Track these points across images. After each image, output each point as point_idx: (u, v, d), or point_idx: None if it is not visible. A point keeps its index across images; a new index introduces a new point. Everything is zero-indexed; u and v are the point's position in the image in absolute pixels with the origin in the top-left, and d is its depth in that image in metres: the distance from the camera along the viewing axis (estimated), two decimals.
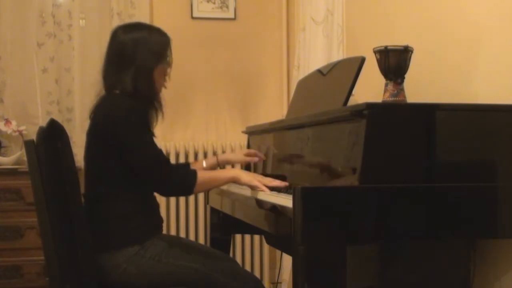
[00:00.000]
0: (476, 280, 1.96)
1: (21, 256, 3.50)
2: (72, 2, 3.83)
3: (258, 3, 4.11)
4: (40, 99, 3.78)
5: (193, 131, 4.02)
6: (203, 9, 4.03)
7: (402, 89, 2.03)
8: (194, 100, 4.03)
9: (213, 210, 2.85)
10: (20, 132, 3.67)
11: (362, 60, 2.07)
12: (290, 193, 1.64)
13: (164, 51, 2.21)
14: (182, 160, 3.84)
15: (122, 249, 2.07)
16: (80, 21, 3.86)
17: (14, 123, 3.69)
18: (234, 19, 4.07)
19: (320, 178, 1.93)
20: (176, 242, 2.23)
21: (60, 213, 1.98)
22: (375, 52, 2.05)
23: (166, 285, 2.10)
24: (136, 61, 2.15)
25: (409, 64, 2.03)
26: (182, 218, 3.86)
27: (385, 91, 2.04)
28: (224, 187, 2.42)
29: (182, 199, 3.86)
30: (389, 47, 2.01)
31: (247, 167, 2.81)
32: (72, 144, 2.07)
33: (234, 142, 3.92)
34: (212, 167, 2.50)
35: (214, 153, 3.89)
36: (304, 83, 2.65)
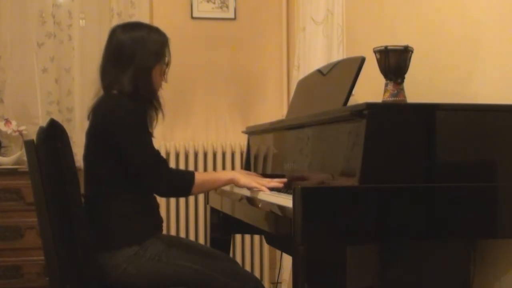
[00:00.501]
0: (476, 280, 1.96)
1: (21, 256, 3.50)
2: (72, 2, 3.83)
3: (258, 3, 4.11)
4: (40, 99, 3.78)
5: (193, 131, 4.02)
6: (203, 9, 4.03)
7: (402, 89, 2.03)
8: (194, 100, 4.03)
9: (213, 210, 2.85)
10: (20, 132, 3.67)
11: (362, 60, 2.07)
12: (290, 193, 1.64)
13: (163, 51, 2.21)
14: (182, 160, 3.84)
15: (122, 249, 2.07)
16: (80, 21, 3.86)
17: (14, 123, 3.69)
18: (234, 19, 4.07)
19: (320, 178, 1.93)
20: (176, 242, 2.23)
21: (60, 213, 1.98)
22: (375, 52, 2.05)
23: (166, 285, 2.10)
24: (135, 61, 2.15)
25: (409, 64, 2.03)
26: (182, 218, 3.86)
27: (385, 91, 2.04)
28: (225, 187, 2.42)
29: (182, 199, 3.86)
30: (389, 47, 2.01)
31: (247, 167, 2.81)
32: (72, 144, 2.07)
33: (234, 142, 3.92)
34: None
35: (214, 154, 3.89)
36: (304, 83, 2.65)
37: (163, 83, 2.27)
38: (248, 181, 2.14)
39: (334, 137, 1.88)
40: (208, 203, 2.90)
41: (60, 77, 3.83)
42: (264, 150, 2.59)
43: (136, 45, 2.16)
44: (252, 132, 2.82)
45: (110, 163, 2.11)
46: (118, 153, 2.09)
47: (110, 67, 2.19)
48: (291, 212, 1.56)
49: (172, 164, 3.75)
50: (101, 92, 2.21)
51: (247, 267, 3.89)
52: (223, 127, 4.06)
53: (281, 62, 4.11)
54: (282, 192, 1.99)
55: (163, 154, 3.52)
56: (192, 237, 3.83)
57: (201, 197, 3.83)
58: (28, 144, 2.10)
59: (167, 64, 2.24)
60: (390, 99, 2.01)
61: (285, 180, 2.12)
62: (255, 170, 2.66)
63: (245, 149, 3.01)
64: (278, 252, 3.70)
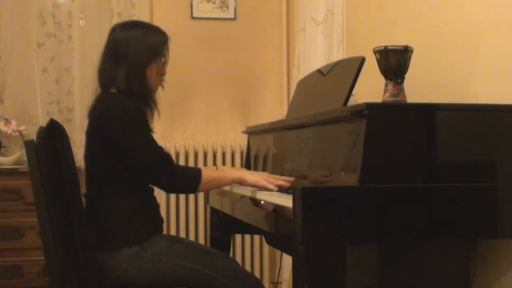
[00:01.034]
0: (476, 280, 1.96)
1: (21, 256, 3.50)
2: (72, 2, 3.83)
3: (258, 3, 4.11)
4: (40, 99, 3.78)
5: (193, 131, 4.02)
6: (203, 9, 4.03)
7: (402, 89, 2.03)
8: (194, 100, 4.03)
9: (213, 210, 2.85)
10: (20, 132, 3.67)
11: (362, 60, 2.07)
12: (290, 193, 1.64)
13: (159, 50, 2.21)
14: (182, 160, 3.84)
15: (122, 249, 2.07)
16: (80, 21, 3.86)
17: (14, 123, 3.69)
18: (234, 19, 4.07)
19: (320, 178, 1.93)
20: (176, 242, 2.23)
21: (60, 213, 1.98)
22: (375, 52, 2.05)
23: (166, 285, 2.10)
24: (129, 59, 2.16)
25: (409, 64, 2.03)
26: (182, 218, 3.86)
27: (385, 91, 2.04)
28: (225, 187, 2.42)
29: (182, 199, 3.86)
30: (389, 47, 2.01)
31: (246, 167, 2.81)
32: (72, 144, 2.07)
33: (234, 142, 3.92)
34: None
35: (214, 154, 3.90)
36: (304, 83, 2.65)
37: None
38: (256, 179, 2.12)
39: (334, 137, 1.88)
40: (208, 203, 2.90)
41: (60, 77, 3.83)
42: (264, 150, 2.59)
43: (130, 43, 2.17)
44: (252, 132, 2.82)
45: (110, 162, 2.12)
46: (117, 152, 2.09)
47: (106, 65, 2.20)
48: (291, 212, 1.56)
49: None
50: (99, 90, 2.22)
51: (247, 267, 3.89)
52: (223, 127, 4.06)
53: (281, 62, 4.11)
54: (283, 191, 1.99)
55: None
56: (192, 237, 3.83)
57: (201, 197, 3.83)
58: (28, 144, 2.10)
59: (164, 63, 2.24)
60: (390, 99, 2.01)
61: (292, 179, 2.10)
62: (255, 170, 2.66)
63: (245, 149, 3.01)
64: (278, 252, 3.70)
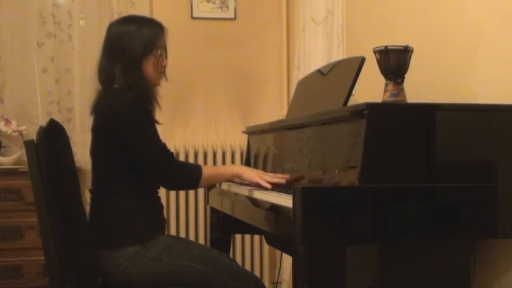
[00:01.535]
0: (476, 280, 1.96)
1: (21, 256, 3.50)
2: (72, 2, 3.84)
3: (258, 3, 4.11)
4: (40, 99, 3.78)
5: (193, 131, 4.02)
6: (203, 9, 4.03)
7: (402, 89, 2.02)
8: (194, 100, 4.03)
9: (213, 210, 2.85)
10: (20, 132, 3.67)
11: (362, 60, 2.07)
12: (290, 193, 1.64)
13: (153, 42, 2.20)
14: (182, 160, 3.84)
15: (123, 248, 2.07)
16: (80, 21, 3.86)
17: (14, 123, 3.69)
18: (234, 19, 4.07)
19: (320, 178, 1.93)
20: (177, 242, 2.23)
21: (60, 213, 1.98)
22: (375, 52, 2.05)
23: (167, 284, 2.10)
24: (123, 54, 2.16)
25: (409, 64, 2.03)
26: (182, 218, 3.86)
27: (385, 91, 2.04)
28: (225, 187, 2.42)
29: (182, 199, 3.86)
30: (389, 47, 2.01)
31: (247, 165, 2.80)
32: (72, 144, 2.07)
33: (234, 142, 3.92)
34: None
35: (214, 154, 3.90)
36: (304, 83, 2.65)
37: (164, 80, 2.27)
38: (253, 175, 2.18)
39: (334, 137, 1.88)
40: (208, 203, 2.90)
41: (60, 77, 3.83)
42: (264, 150, 2.59)
43: (124, 38, 2.17)
44: (252, 132, 2.82)
45: (114, 160, 2.12)
46: (121, 149, 2.09)
47: (103, 62, 2.21)
48: (291, 212, 1.56)
49: None
50: (99, 87, 2.22)
51: (247, 267, 3.89)
52: (223, 127, 4.06)
53: (281, 62, 4.11)
54: (283, 191, 1.99)
55: None
56: (192, 237, 3.84)
57: (201, 197, 3.83)
58: (28, 144, 2.10)
59: (161, 55, 2.23)
60: (390, 99, 2.01)
61: (287, 176, 2.13)
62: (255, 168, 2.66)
63: (245, 149, 3.01)
64: (278, 252, 3.70)
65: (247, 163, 2.84)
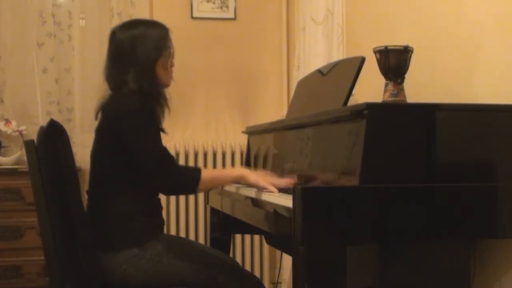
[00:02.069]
0: (476, 280, 1.96)
1: (21, 256, 3.50)
2: (72, 2, 3.83)
3: (258, 3, 4.11)
4: (40, 99, 3.78)
5: (193, 131, 4.02)
6: (203, 9, 4.03)
7: (402, 89, 2.02)
8: (194, 100, 4.03)
9: (213, 210, 2.85)
10: (20, 132, 3.67)
11: (362, 60, 2.07)
12: (290, 193, 1.64)
13: (163, 44, 2.20)
14: (182, 160, 3.84)
15: (122, 250, 2.07)
16: (80, 21, 3.86)
17: (14, 123, 3.69)
18: (234, 19, 4.07)
19: (320, 178, 1.93)
20: (176, 242, 2.23)
21: (60, 213, 1.98)
22: (375, 52, 2.05)
23: (166, 285, 2.10)
24: (136, 59, 2.15)
25: (409, 64, 2.03)
26: (182, 218, 3.86)
27: (385, 91, 2.04)
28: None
29: (182, 199, 3.86)
30: (389, 47, 2.01)
31: (247, 166, 2.80)
32: (72, 144, 2.07)
33: (234, 142, 3.92)
34: None
35: (214, 154, 3.90)
36: (304, 83, 2.65)
37: (172, 81, 2.26)
38: (258, 179, 2.07)
39: (334, 137, 1.88)
40: (208, 203, 2.90)
41: (60, 77, 3.83)
42: (264, 150, 2.59)
43: (134, 43, 2.15)
44: (252, 132, 2.82)
45: (116, 162, 2.11)
46: (125, 152, 2.08)
47: (113, 69, 2.19)
48: (291, 212, 1.56)
49: None
50: (108, 92, 2.20)
51: (247, 267, 3.89)
52: (223, 127, 4.06)
53: (281, 62, 4.11)
54: (283, 191, 1.99)
55: None
56: (192, 237, 3.83)
57: (201, 197, 3.83)
58: (28, 144, 2.10)
59: (171, 56, 2.23)
60: (390, 99, 2.01)
61: (294, 179, 2.07)
62: (255, 171, 2.66)
63: (245, 149, 3.01)
64: (278, 252, 3.70)
65: (247, 163, 2.84)
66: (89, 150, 2.22)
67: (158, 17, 3.92)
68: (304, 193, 1.53)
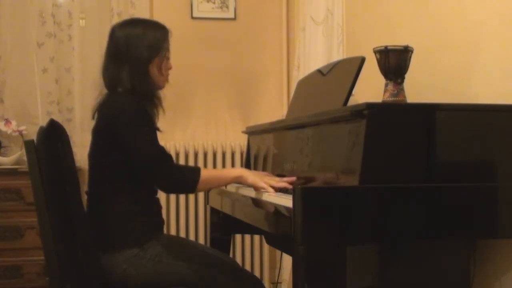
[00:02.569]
0: (476, 280, 1.96)
1: (21, 256, 3.50)
2: (72, 2, 3.84)
3: (258, 3, 4.11)
4: (40, 99, 3.78)
5: (193, 131, 4.02)
6: (203, 9, 4.03)
7: (402, 89, 2.02)
8: (194, 100, 4.03)
9: (213, 210, 2.85)
10: (20, 132, 3.67)
11: (362, 60, 2.07)
12: (290, 193, 1.64)
13: (159, 45, 2.20)
14: (182, 160, 3.84)
15: (122, 250, 2.07)
16: (80, 21, 3.86)
17: (14, 123, 3.69)
18: (234, 19, 4.07)
19: (320, 178, 1.93)
20: (176, 242, 2.23)
21: (60, 213, 1.98)
22: (375, 52, 2.05)
23: (166, 285, 2.10)
24: (130, 57, 2.15)
25: (409, 64, 2.03)
26: (182, 218, 3.86)
27: (385, 91, 2.04)
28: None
29: (182, 199, 3.86)
30: (389, 47, 2.01)
31: (247, 167, 2.80)
32: (72, 144, 2.07)
33: (234, 142, 3.92)
34: None
35: (214, 154, 3.90)
36: (304, 83, 2.65)
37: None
38: (256, 180, 2.10)
39: (334, 137, 1.88)
40: (208, 203, 2.90)
41: (60, 77, 3.83)
42: (264, 150, 2.59)
43: (130, 41, 2.16)
44: (252, 132, 2.82)
45: (114, 162, 2.11)
46: (122, 152, 2.09)
47: (109, 65, 2.20)
48: (291, 212, 1.56)
49: None
50: (105, 91, 2.21)
51: (247, 267, 3.89)
52: (223, 127, 4.06)
53: (281, 62, 4.11)
54: (283, 191, 1.99)
55: None
56: (192, 237, 3.83)
57: (201, 197, 3.83)
58: (28, 144, 2.10)
59: (167, 58, 2.23)
60: (390, 99, 2.01)
61: (294, 178, 2.07)
62: (255, 169, 2.66)
63: (245, 149, 3.01)
64: (278, 252, 3.70)
65: (247, 163, 2.83)
66: (88, 151, 2.22)
67: (158, 17, 3.92)
68: (304, 193, 1.53)
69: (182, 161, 3.83)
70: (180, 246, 2.19)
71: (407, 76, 2.04)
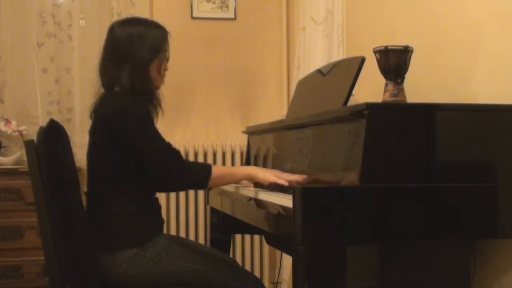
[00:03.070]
0: (476, 280, 1.96)
1: (21, 256, 3.50)
2: (72, 2, 3.84)
3: (258, 3, 4.11)
4: (40, 99, 3.78)
5: (193, 131, 4.02)
6: (203, 9, 4.03)
7: (402, 89, 2.02)
8: (194, 100, 4.03)
9: (213, 210, 2.85)
10: (20, 132, 3.67)
11: (362, 60, 2.07)
12: (290, 193, 1.64)
13: (160, 46, 2.19)
14: None
15: (122, 250, 2.07)
16: (80, 21, 3.86)
17: (14, 123, 3.69)
18: (234, 19, 4.07)
19: (320, 178, 1.93)
20: (176, 242, 2.23)
21: (60, 213, 1.98)
22: (375, 52, 2.05)
23: (166, 285, 2.10)
24: (131, 57, 2.14)
25: (409, 64, 2.03)
26: (182, 218, 3.86)
27: (385, 91, 2.04)
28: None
29: (182, 199, 3.86)
30: (389, 47, 2.01)
31: (247, 165, 2.80)
32: (72, 144, 2.07)
33: (234, 142, 3.92)
34: None
35: (214, 154, 3.90)
36: (304, 83, 2.65)
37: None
38: (267, 175, 2.09)
39: (334, 137, 1.88)
40: (208, 203, 2.90)
41: (60, 77, 3.83)
42: (264, 150, 2.59)
43: (132, 41, 2.15)
44: (252, 132, 2.82)
45: (112, 162, 2.11)
46: (121, 152, 2.08)
47: (108, 64, 2.18)
48: (291, 212, 1.56)
49: None
50: (101, 90, 2.21)
51: (247, 267, 3.89)
52: (223, 127, 4.06)
53: (281, 62, 4.11)
54: (283, 191, 1.99)
55: None
56: (192, 237, 3.83)
57: (201, 197, 3.83)
58: (28, 144, 2.10)
59: (166, 59, 2.23)
60: (390, 99, 2.01)
61: (305, 176, 2.03)
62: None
63: (245, 149, 3.01)
64: (278, 252, 3.70)
65: (247, 163, 2.84)
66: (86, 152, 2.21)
67: (158, 17, 3.92)
68: (304, 193, 1.53)
69: None
70: (180, 246, 2.19)
71: (407, 76, 2.04)
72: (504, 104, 1.84)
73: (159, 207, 2.25)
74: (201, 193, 3.82)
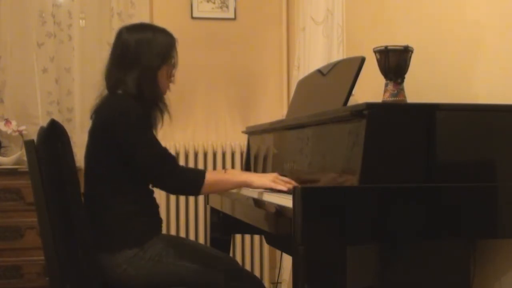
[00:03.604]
0: (476, 280, 1.96)
1: (21, 256, 3.50)
2: (72, 2, 3.83)
3: (258, 3, 4.11)
4: (40, 99, 3.78)
5: (193, 131, 4.02)
6: (203, 9, 4.03)
7: (402, 89, 2.02)
8: (194, 100, 4.03)
9: (213, 210, 2.85)
10: (20, 132, 3.67)
11: (362, 60, 2.07)
12: (290, 193, 1.64)
13: (169, 52, 2.20)
14: (182, 160, 3.84)
15: (122, 250, 2.07)
16: (80, 21, 3.86)
17: (14, 123, 3.69)
18: (234, 19, 4.07)
19: (320, 178, 1.93)
20: (176, 242, 2.23)
21: (60, 213, 1.98)
22: (375, 52, 2.05)
23: (166, 285, 2.10)
24: (140, 62, 2.14)
25: (409, 64, 2.03)
26: (182, 218, 3.86)
27: (385, 91, 2.04)
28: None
29: (182, 199, 3.86)
30: (389, 47, 2.01)
31: (247, 167, 2.80)
32: (72, 144, 2.07)
33: (234, 142, 3.92)
34: None
35: (214, 154, 3.90)
36: (304, 83, 2.65)
37: (171, 85, 2.27)
38: (263, 181, 2.05)
39: (334, 137, 1.88)
40: (208, 203, 2.90)
41: (60, 77, 3.83)
42: (264, 150, 2.59)
43: (141, 47, 2.15)
44: (252, 132, 2.82)
45: (110, 162, 2.11)
46: (120, 153, 2.08)
47: (115, 68, 2.18)
48: (291, 212, 1.56)
49: None
50: (105, 92, 2.21)
51: (247, 267, 3.89)
52: (223, 127, 4.06)
53: (281, 62, 4.11)
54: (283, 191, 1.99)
55: None
56: (192, 237, 3.83)
57: (201, 197, 3.83)
58: (28, 144, 2.10)
59: (174, 66, 2.24)
60: (390, 99, 2.01)
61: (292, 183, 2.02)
62: (255, 171, 2.66)
63: (245, 149, 3.01)
64: (278, 252, 3.70)
65: (247, 163, 2.84)
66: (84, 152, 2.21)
67: (158, 17, 3.93)
68: (304, 193, 1.53)
69: (182, 161, 3.83)
70: (180, 246, 2.19)
71: (407, 76, 2.04)
72: (504, 104, 1.84)
73: (157, 207, 2.25)
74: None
